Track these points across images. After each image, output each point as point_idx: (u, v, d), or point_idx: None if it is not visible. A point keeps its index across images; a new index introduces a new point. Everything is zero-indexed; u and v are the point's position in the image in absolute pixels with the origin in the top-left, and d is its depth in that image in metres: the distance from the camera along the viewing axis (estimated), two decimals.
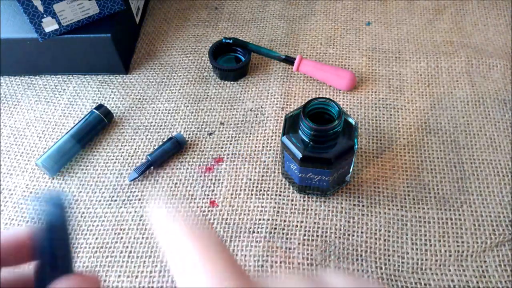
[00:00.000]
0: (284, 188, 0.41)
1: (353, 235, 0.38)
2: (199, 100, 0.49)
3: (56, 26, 0.46)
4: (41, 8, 0.44)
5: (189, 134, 0.45)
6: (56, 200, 0.23)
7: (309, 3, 0.58)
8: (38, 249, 0.22)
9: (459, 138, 0.44)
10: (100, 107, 0.46)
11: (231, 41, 0.50)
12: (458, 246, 0.37)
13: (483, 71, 0.49)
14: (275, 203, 0.40)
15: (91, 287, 0.21)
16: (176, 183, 0.42)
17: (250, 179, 0.42)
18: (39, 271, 0.22)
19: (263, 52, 0.50)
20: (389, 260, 0.36)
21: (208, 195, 0.41)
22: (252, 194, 0.41)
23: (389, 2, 0.58)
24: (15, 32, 0.48)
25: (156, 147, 0.44)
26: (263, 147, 0.44)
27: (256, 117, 0.47)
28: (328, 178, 0.36)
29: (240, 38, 0.54)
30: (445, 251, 0.36)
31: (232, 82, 0.50)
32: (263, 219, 0.39)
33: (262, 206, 0.40)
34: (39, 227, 0.22)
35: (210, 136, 0.45)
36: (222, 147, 0.44)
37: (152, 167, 0.43)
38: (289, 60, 0.49)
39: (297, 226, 0.38)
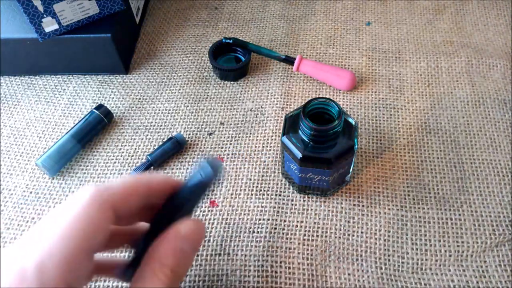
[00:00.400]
0: (284, 188, 0.41)
1: (353, 235, 0.38)
2: (199, 100, 0.49)
3: (56, 26, 0.46)
4: (41, 8, 0.44)
5: (189, 134, 0.45)
6: (215, 164, 0.27)
7: (309, 3, 0.58)
8: (182, 194, 0.28)
9: (459, 138, 0.44)
10: (100, 107, 0.46)
11: (231, 41, 0.50)
12: (458, 246, 0.37)
13: (483, 71, 0.49)
14: (275, 203, 0.40)
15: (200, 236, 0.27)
16: None
17: (250, 179, 0.42)
18: (168, 209, 0.28)
19: (263, 52, 0.50)
20: (389, 260, 0.36)
21: (208, 195, 0.41)
22: (252, 194, 0.41)
23: (389, 2, 0.58)
24: (15, 32, 0.48)
25: (156, 147, 0.44)
26: (263, 147, 0.44)
27: (256, 117, 0.47)
28: (328, 178, 0.36)
29: (240, 38, 0.54)
30: (445, 251, 0.36)
31: (232, 82, 0.50)
32: (263, 219, 0.39)
33: (262, 206, 0.40)
34: (192, 181, 0.28)
35: (210, 136, 0.45)
36: (222, 147, 0.44)
37: (152, 167, 0.43)
38: (289, 60, 0.49)
39: (297, 226, 0.38)
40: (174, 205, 0.28)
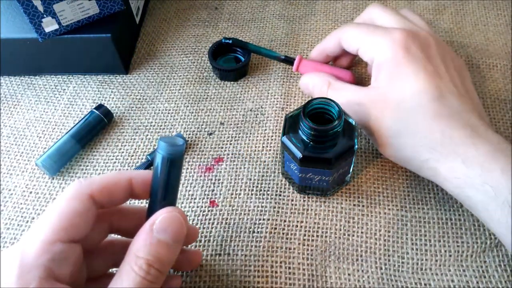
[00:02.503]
0: (284, 188, 0.41)
1: (353, 235, 0.38)
2: (199, 100, 0.49)
3: (56, 26, 0.46)
4: (41, 8, 0.44)
5: (189, 134, 0.45)
6: (169, 139, 0.28)
7: (309, 3, 0.58)
8: (153, 183, 0.28)
9: None
10: (100, 107, 0.46)
11: (230, 41, 0.50)
12: (458, 246, 0.37)
13: (483, 71, 0.49)
14: (275, 203, 0.40)
15: (183, 227, 0.27)
16: None
17: (250, 179, 0.42)
18: (150, 203, 0.28)
19: (263, 52, 0.49)
20: (389, 261, 0.36)
21: (208, 195, 0.41)
22: (252, 194, 0.41)
23: (389, 2, 0.58)
24: (15, 32, 0.48)
25: (156, 147, 0.44)
26: (263, 147, 0.44)
27: (256, 117, 0.47)
28: (328, 178, 0.36)
29: (240, 39, 0.54)
30: (445, 251, 0.36)
31: (232, 82, 0.50)
32: (263, 219, 0.39)
33: (262, 206, 0.40)
34: (156, 166, 0.27)
35: (210, 136, 0.45)
36: (222, 147, 0.44)
37: (152, 167, 0.43)
38: (289, 60, 0.49)
39: (297, 226, 0.38)
40: (150, 194, 0.28)
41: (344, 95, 0.39)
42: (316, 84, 0.42)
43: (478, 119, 0.34)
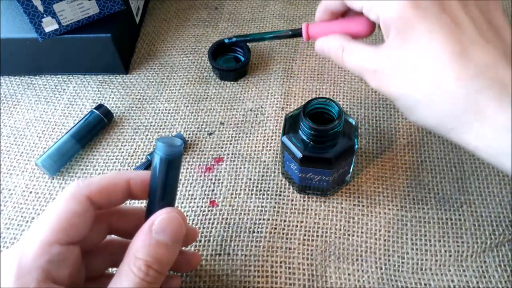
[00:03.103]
0: (284, 188, 0.41)
1: (353, 235, 0.38)
2: (199, 100, 0.49)
3: (56, 26, 0.46)
4: (41, 8, 0.44)
5: (189, 134, 0.45)
6: (167, 140, 0.28)
7: (309, 3, 0.58)
8: (152, 183, 0.28)
9: None
10: (100, 107, 0.46)
11: (233, 40, 0.47)
12: (458, 246, 0.37)
13: None
14: (275, 203, 0.40)
15: (181, 228, 0.27)
16: None
17: (250, 179, 0.42)
18: (149, 203, 0.28)
19: (268, 37, 0.43)
20: (389, 261, 0.36)
21: (208, 195, 0.41)
22: (252, 194, 0.41)
23: None
24: (15, 32, 0.48)
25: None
26: (263, 147, 0.44)
27: (256, 117, 0.47)
28: (328, 178, 0.36)
29: (240, 34, 0.53)
30: (445, 251, 0.36)
31: (232, 82, 0.50)
32: (263, 219, 0.39)
33: (262, 206, 0.40)
34: (155, 166, 0.27)
35: (210, 136, 0.45)
36: (222, 147, 0.44)
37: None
38: (297, 33, 0.40)
39: (297, 226, 0.38)
40: (149, 195, 0.28)
41: (358, 59, 0.34)
42: (331, 47, 0.37)
43: (508, 68, 0.29)
